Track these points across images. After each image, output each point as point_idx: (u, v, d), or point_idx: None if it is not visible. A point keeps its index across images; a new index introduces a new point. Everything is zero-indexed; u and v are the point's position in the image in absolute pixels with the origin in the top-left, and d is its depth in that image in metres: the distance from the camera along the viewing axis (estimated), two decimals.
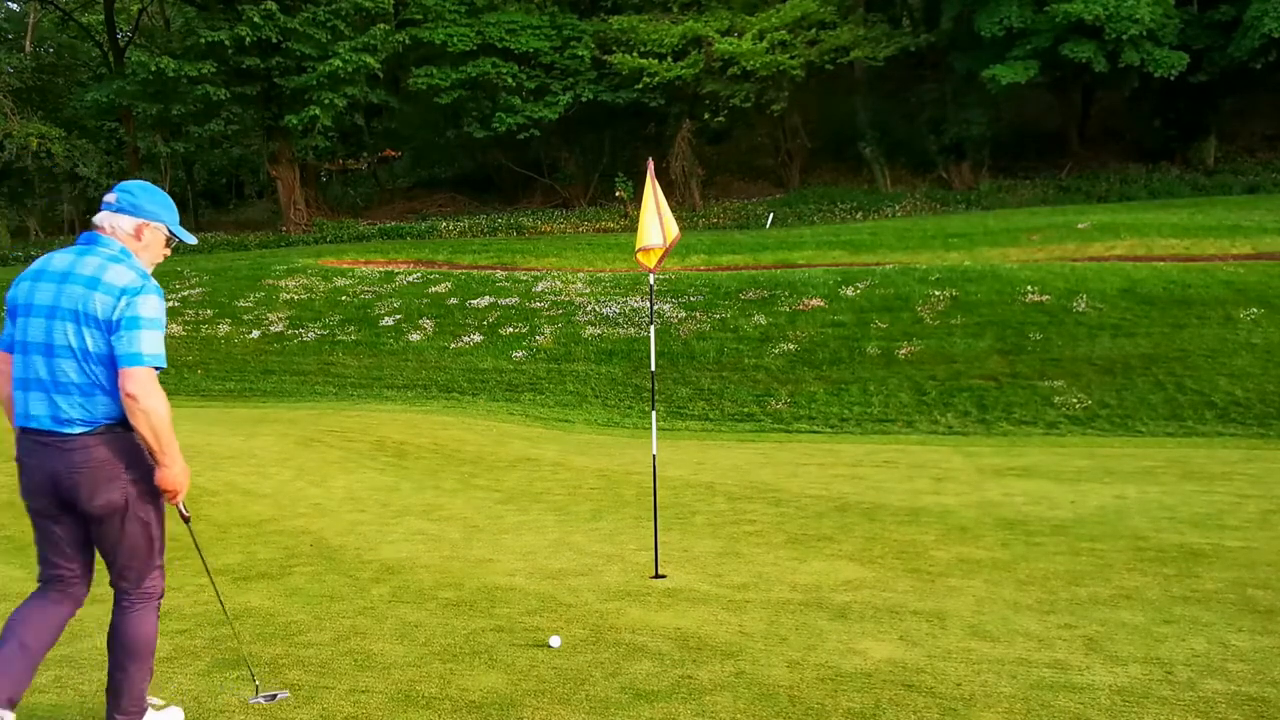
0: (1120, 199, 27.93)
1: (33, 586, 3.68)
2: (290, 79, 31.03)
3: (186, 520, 3.70)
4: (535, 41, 33.45)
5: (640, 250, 6.04)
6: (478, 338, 18.46)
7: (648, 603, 5.26)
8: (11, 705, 3.35)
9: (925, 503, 8.00)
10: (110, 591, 3.57)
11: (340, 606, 5.30)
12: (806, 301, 17.45)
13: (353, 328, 19.71)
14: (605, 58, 32.82)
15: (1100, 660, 4.27)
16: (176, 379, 17.45)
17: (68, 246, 3.51)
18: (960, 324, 15.57)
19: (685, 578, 5.77)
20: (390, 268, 23.91)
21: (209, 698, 4.03)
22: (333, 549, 6.76)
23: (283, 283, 22.70)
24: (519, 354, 17.56)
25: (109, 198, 3.51)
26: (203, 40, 29.78)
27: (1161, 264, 17.02)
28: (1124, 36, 26.03)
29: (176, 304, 21.77)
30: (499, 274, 22.29)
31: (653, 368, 6.45)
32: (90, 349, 3.27)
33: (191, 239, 3.76)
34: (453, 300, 20.35)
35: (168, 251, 3.61)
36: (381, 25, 31.87)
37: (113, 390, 3.28)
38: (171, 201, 3.63)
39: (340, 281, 22.49)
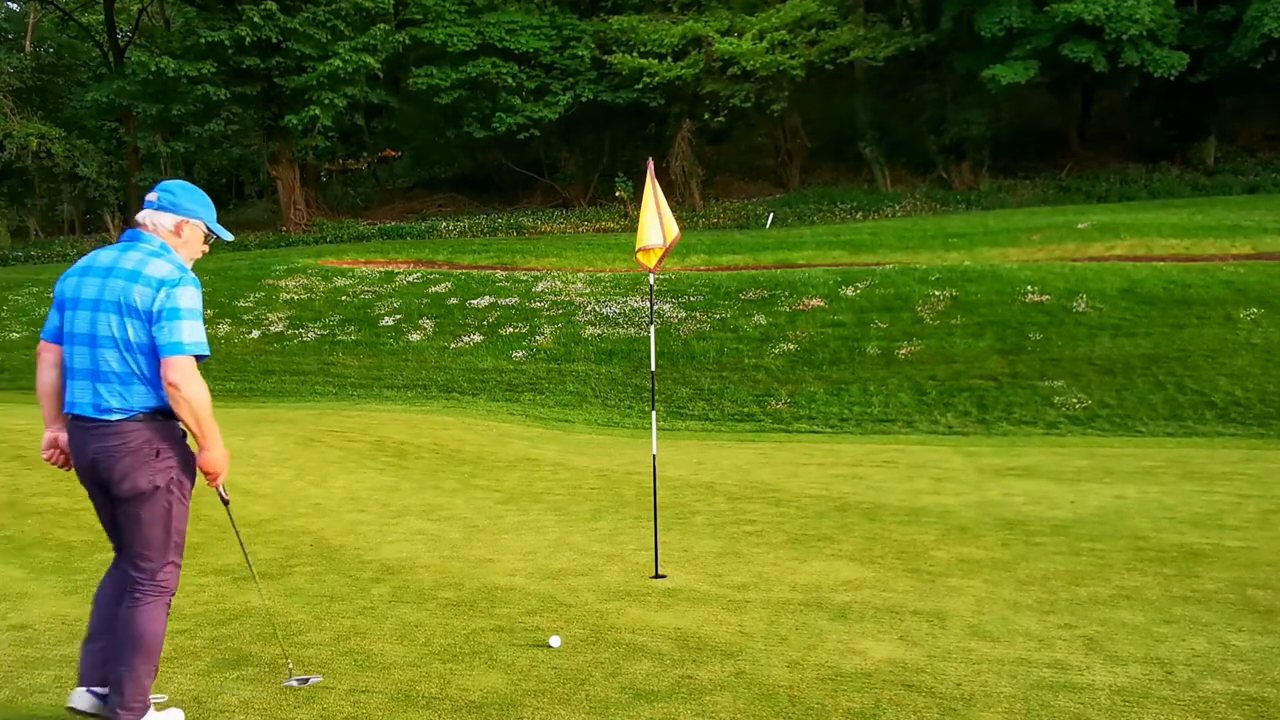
0: (1120, 199, 27.91)
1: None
2: (290, 79, 31.02)
3: (226, 503, 3.92)
4: (535, 41, 33.43)
5: (640, 250, 6.04)
6: (478, 338, 18.47)
7: (648, 603, 5.26)
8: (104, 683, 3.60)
9: (925, 503, 8.00)
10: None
11: (340, 606, 5.30)
12: (806, 301, 17.45)
13: (353, 328, 19.72)
14: (605, 58, 32.80)
15: (1100, 660, 4.27)
16: None
17: (111, 244, 3.72)
18: (960, 324, 15.57)
19: (685, 578, 5.77)
20: (390, 268, 23.91)
21: (209, 698, 4.03)
22: (333, 549, 6.76)
23: (283, 283, 22.70)
24: (519, 354, 17.56)
25: (151, 196, 3.71)
26: (203, 40, 29.77)
27: (1161, 264, 17.02)
28: (1124, 36, 26.01)
29: None
30: (499, 274, 22.29)
31: (653, 368, 6.45)
32: (132, 339, 3.46)
33: (228, 235, 3.94)
34: (453, 300, 20.35)
35: (206, 248, 3.83)
36: (381, 25, 31.85)
37: (152, 380, 3.49)
38: (209, 200, 3.85)
39: (340, 281, 22.49)
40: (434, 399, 15.92)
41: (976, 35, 28.31)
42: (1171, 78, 26.87)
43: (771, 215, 29.42)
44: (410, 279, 22.20)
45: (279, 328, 20.21)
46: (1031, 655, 4.33)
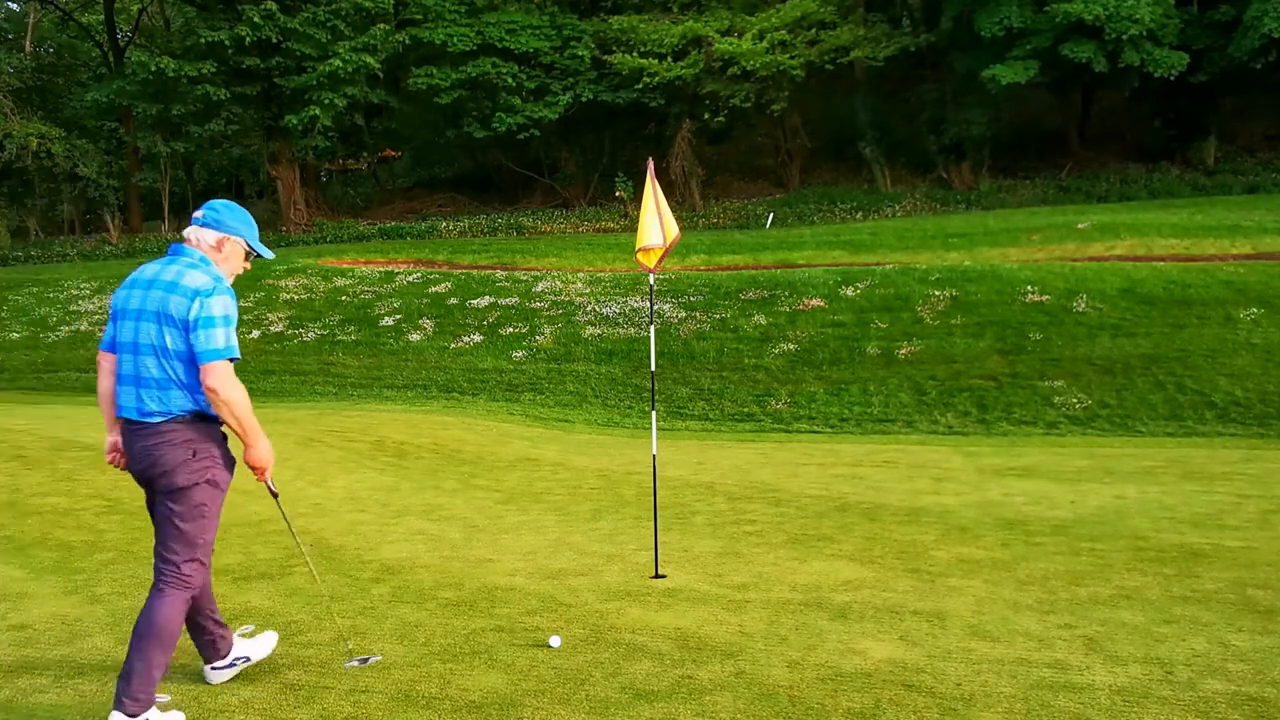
0: (1120, 199, 27.91)
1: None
2: (290, 79, 31.02)
3: (275, 495, 4.16)
4: (535, 41, 33.44)
5: (640, 250, 6.04)
6: (478, 338, 18.47)
7: (648, 603, 5.26)
8: (211, 660, 4.12)
9: (925, 503, 8.00)
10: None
11: (340, 606, 5.30)
12: (806, 301, 17.45)
13: (353, 328, 19.72)
14: (605, 58, 32.80)
15: (1100, 660, 4.27)
16: None
17: (158, 259, 3.96)
18: (960, 324, 15.57)
19: (685, 578, 5.77)
20: (390, 268, 23.91)
21: (209, 698, 4.03)
22: (333, 549, 6.76)
23: (283, 283, 22.70)
24: (519, 354, 17.56)
25: (197, 214, 3.95)
26: (203, 40, 29.77)
27: (1161, 264, 17.02)
28: (1124, 36, 26.01)
29: None
30: (499, 274, 22.29)
31: (653, 368, 6.45)
32: (169, 346, 3.69)
33: (269, 254, 4.18)
34: (453, 300, 20.35)
35: (248, 265, 4.04)
36: (381, 25, 31.85)
37: (189, 385, 3.71)
38: (252, 219, 4.06)
39: (340, 281, 22.49)
40: (434, 399, 15.92)
41: (976, 35, 28.31)
42: (1171, 78, 26.87)
43: (771, 215, 29.42)
44: (410, 279, 22.20)
45: (279, 328, 20.21)
46: (1031, 655, 4.33)
